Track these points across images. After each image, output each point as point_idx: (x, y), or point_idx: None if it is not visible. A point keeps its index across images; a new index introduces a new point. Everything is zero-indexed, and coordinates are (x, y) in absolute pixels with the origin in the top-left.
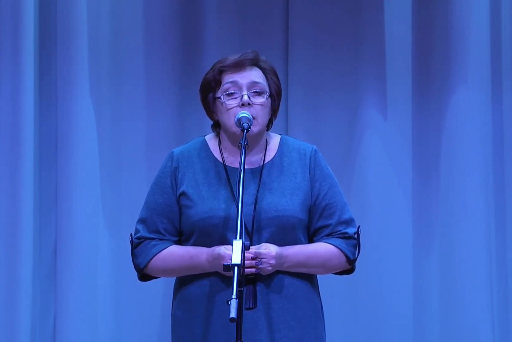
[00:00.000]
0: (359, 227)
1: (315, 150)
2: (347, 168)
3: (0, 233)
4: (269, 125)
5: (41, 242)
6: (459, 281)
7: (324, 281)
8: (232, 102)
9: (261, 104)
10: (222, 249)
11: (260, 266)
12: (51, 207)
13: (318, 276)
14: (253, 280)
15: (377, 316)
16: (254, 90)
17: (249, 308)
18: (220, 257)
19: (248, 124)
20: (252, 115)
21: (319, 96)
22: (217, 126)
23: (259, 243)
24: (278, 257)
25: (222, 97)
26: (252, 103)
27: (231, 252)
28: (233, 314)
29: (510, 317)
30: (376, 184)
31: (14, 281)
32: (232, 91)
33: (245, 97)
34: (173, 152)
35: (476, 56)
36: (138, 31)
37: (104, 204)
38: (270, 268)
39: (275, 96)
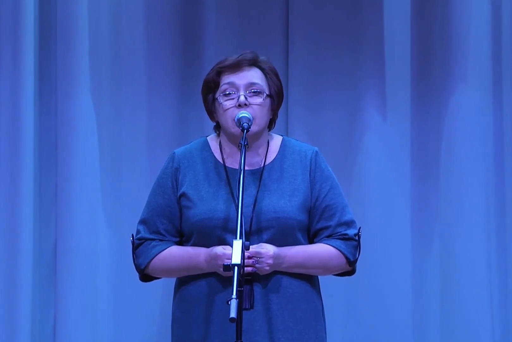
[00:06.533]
0: (359, 228)
1: (316, 152)
2: (347, 168)
3: (0, 233)
4: (271, 126)
5: (41, 242)
6: (458, 281)
7: (324, 281)
8: (229, 103)
9: (259, 105)
10: (220, 249)
11: (258, 265)
12: (51, 207)
13: (319, 276)
14: (250, 280)
15: (377, 317)
16: (252, 91)
17: (245, 309)
18: (217, 256)
19: (248, 124)
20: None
21: (319, 96)
22: (218, 127)
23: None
24: (276, 257)
25: (219, 98)
26: (249, 104)
27: (228, 252)
28: (233, 314)
29: (511, 317)
30: (375, 184)
31: (14, 281)
32: (229, 92)
33: (242, 98)
34: (174, 153)
35: (476, 56)
36: (138, 31)
37: (104, 204)
38: (267, 268)
39: (275, 96)
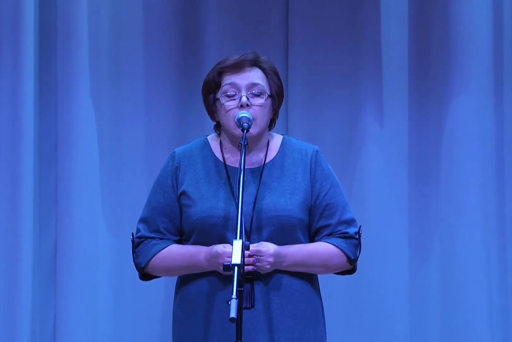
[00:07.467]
0: (360, 226)
1: (317, 150)
2: (347, 168)
3: (0, 233)
4: (271, 125)
5: (41, 242)
6: (458, 281)
7: (324, 281)
8: (231, 104)
9: (260, 106)
10: (220, 247)
11: (258, 264)
12: (51, 207)
13: (319, 276)
14: (251, 279)
15: (376, 317)
16: (253, 92)
17: (246, 308)
18: (217, 254)
19: (248, 124)
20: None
21: (319, 96)
22: (219, 127)
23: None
24: (277, 255)
25: (221, 98)
26: (251, 105)
27: (228, 250)
28: (233, 314)
29: (510, 318)
30: (376, 184)
31: (14, 281)
32: (231, 93)
33: (244, 99)
34: (174, 151)
35: (477, 56)
36: (138, 32)
37: (104, 204)
38: (268, 266)
39: (276, 96)
